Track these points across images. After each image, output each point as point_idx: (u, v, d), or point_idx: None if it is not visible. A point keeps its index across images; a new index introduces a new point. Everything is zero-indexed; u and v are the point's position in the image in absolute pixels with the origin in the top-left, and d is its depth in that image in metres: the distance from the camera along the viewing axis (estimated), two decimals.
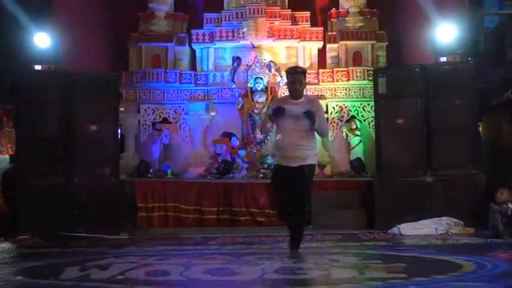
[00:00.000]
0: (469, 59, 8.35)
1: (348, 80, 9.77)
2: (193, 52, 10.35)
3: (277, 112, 5.45)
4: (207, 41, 10.11)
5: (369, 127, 9.55)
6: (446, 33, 8.21)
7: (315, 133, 5.60)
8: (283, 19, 9.99)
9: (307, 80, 9.94)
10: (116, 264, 5.34)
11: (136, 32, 10.20)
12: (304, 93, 5.78)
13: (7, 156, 9.61)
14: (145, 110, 9.96)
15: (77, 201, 7.70)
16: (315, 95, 9.81)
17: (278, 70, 9.60)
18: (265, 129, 6.58)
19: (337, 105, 9.81)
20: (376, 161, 8.13)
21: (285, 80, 9.94)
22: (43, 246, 6.80)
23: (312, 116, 5.39)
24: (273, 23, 9.92)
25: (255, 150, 9.37)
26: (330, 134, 9.78)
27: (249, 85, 9.58)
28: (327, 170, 9.46)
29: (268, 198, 8.11)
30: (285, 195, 5.48)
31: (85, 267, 5.22)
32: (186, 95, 9.97)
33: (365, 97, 9.67)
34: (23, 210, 7.62)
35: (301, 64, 10.08)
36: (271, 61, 9.72)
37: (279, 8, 10.07)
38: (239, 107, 9.61)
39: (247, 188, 8.45)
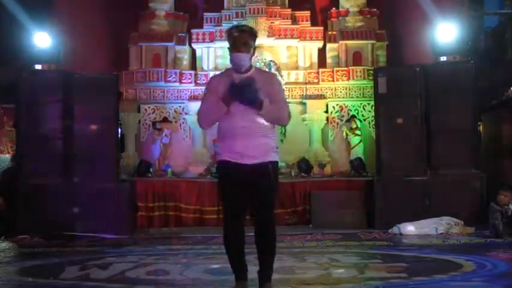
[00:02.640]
0: (469, 58, 8.36)
1: (348, 79, 9.77)
2: (193, 52, 10.35)
3: (235, 90, 3.63)
4: (207, 40, 10.11)
5: (369, 127, 9.55)
6: (446, 33, 8.21)
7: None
8: (284, 18, 9.99)
9: (307, 80, 10.24)
10: (115, 264, 5.35)
11: (137, 32, 10.21)
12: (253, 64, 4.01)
13: (7, 155, 9.62)
14: (145, 109, 9.96)
15: (77, 201, 7.70)
16: (315, 95, 9.83)
17: (278, 69, 9.61)
18: (207, 120, 3.85)
19: (337, 105, 9.80)
20: (376, 161, 8.13)
21: (286, 79, 10.07)
22: (43, 245, 6.80)
23: (248, 90, 3.59)
24: (273, 22, 9.92)
25: None
26: (331, 134, 9.80)
27: None
28: (327, 170, 9.46)
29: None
30: (240, 199, 3.75)
31: (85, 266, 5.23)
32: (186, 94, 9.97)
33: (365, 97, 9.67)
34: (23, 209, 7.62)
35: (301, 64, 10.10)
36: (271, 60, 9.74)
37: (279, 7, 10.07)
38: None
39: None
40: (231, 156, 3.73)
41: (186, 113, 9.91)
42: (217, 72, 4.51)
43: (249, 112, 3.66)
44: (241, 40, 3.73)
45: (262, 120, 3.70)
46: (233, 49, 3.74)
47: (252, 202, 3.77)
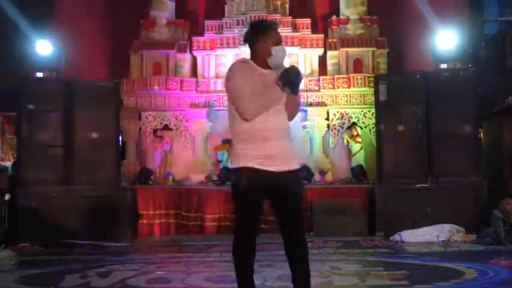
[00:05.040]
0: (470, 65, 8.36)
1: (349, 86, 9.78)
2: (194, 59, 10.37)
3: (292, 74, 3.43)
4: (208, 48, 10.14)
5: (370, 134, 9.55)
6: (446, 40, 8.23)
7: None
8: (284, 26, 10.01)
9: (307, 88, 10.22)
10: (116, 272, 5.34)
11: (138, 39, 10.24)
12: None
13: (8, 163, 9.62)
14: (146, 117, 9.97)
15: (78, 209, 7.69)
16: (316, 102, 9.84)
17: None
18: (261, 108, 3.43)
19: (338, 112, 9.81)
20: (377, 168, 8.12)
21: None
22: (44, 253, 6.79)
23: (293, 76, 3.41)
24: None
25: None
26: (331, 141, 9.80)
27: None
28: (328, 177, 9.45)
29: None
30: (258, 218, 3.51)
31: (86, 274, 5.22)
32: (187, 102, 9.98)
33: (366, 104, 9.68)
34: (24, 217, 7.60)
35: (302, 71, 10.07)
36: None
37: (279, 15, 10.10)
38: None
39: None
40: (258, 163, 3.36)
41: (187, 121, 9.92)
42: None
43: (281, 113, 3.44)
44: (279, 38, 3.57)
45: (285, 124, 3.48)
46: (278, 43, 3.52)
47: (280, 213, 3.47)
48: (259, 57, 3.53)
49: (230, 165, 3.62)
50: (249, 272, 3.50)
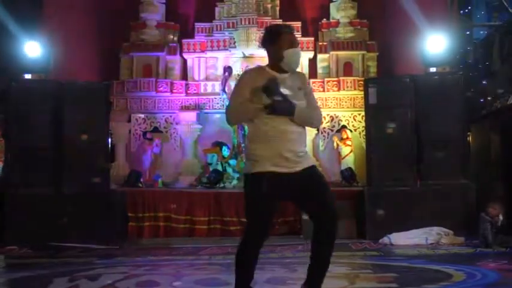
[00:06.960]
0: (458, 69, 8.42)
1: (339, 90, 9.82)
2: (184, 62, 10.36)
3: (271, 85, 3.41)
4: (198, 50, 10.14)
5: (360, 137, 9.59)
6: (435, 44, 8.29)
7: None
8: None
9: None
10: (105, 275, 5.31)
11: (128, 42, 10.21)
12: None
13: None
14: (136, 119, 9.95)
15: (67, 211, 7.64)
16: None
17: None
18: (238, 117, 3.68)
19: (328, 115, 9.84)
20: (366, 171, 8.15)
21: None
22: (32, 256, 6.74)
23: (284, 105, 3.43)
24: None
25: None
26: (321, 144, 9.83)
27: None
28: None
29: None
30: (270, 223, 3.61)
31: (74, 277, 5.19)
32: (177, 104, 9.97)
33: (356, 107, 9.72)
34: (12, 220, 7.55)
35: None
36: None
37: (270, 18, 10.12)
38: None
39: (238, 197, 8.42)
40: (274, 166, 3.41)
41: (177, 123, 9.91)
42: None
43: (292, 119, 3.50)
44: (295, 39, 3.61)
45: (301, 128, 3.55)
46: (291, 46, 3.53)
47: (310, 207, 3.80)
48: (273, 61, 3.55)
49: (244, 170, 3.62)
50: (249, 277, 3.61)
